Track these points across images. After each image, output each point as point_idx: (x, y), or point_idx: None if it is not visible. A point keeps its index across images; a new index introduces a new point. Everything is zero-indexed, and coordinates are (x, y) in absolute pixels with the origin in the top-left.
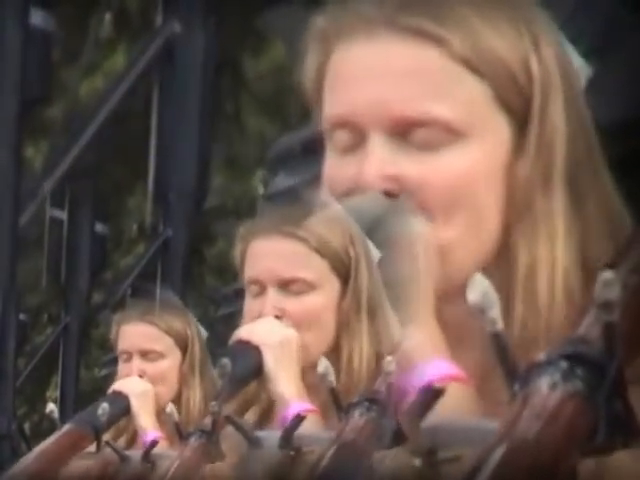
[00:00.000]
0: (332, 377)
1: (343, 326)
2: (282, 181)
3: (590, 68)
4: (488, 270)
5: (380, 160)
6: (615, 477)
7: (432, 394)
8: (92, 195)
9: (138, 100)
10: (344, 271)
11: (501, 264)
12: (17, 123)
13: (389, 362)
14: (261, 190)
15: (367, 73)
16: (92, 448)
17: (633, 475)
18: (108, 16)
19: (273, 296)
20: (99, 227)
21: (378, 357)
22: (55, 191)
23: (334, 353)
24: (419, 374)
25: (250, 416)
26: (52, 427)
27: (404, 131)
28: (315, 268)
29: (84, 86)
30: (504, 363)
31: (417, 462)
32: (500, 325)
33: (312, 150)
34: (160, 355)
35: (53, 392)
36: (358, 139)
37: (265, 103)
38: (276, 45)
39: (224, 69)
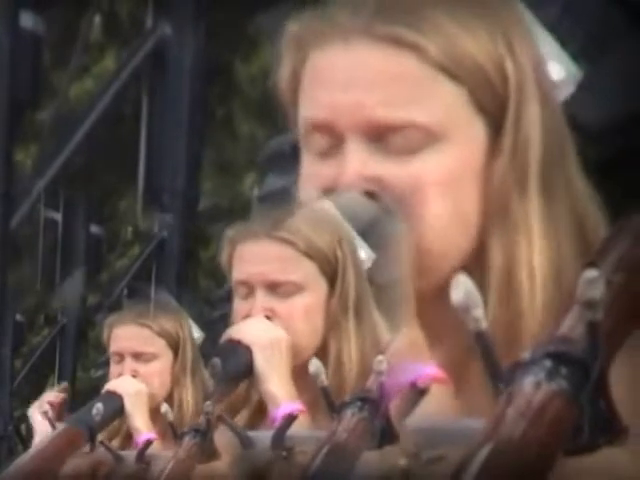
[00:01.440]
0: (324, 377)
1: (331, 327)
2: (273, 182)
3: (580, 70)
4: (463, 269)
5: (359, 162)
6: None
7: (415, 394)
8: (86, 196)
9: (128, 103)
10: (331, 273)
11: (475, 266)
12: (7, 126)
13: (380, 362)
14: (255, 192)
15: (343, 78)
16: (87, 448)
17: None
18: (98, 19)
19: (262, 297)
20: (94, 228)
21: (365, 357)
22: (49, 192)
23: (322, 354)
24: (401, 374)
25: (240, 419)
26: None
27: (381, 135)
28: (303, 270)
29: (74, 89)
30: (488, 362)
31: (403, 462)
32: (484, 324)
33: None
34: (153, 356)
35: None
36: (335, 143)
37: (256, 106)
38: (267, 48)
39: (215, 72)
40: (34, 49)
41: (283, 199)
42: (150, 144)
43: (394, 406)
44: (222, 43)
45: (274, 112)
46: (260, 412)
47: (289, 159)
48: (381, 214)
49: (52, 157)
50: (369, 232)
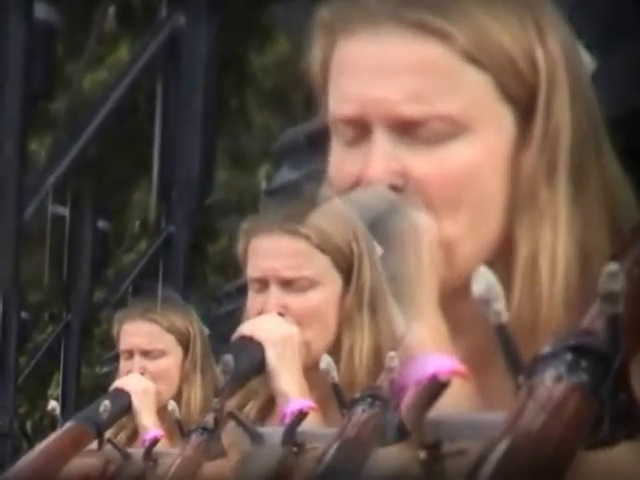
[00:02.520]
0: (335, 373)
1: (345, 322)
2: (286, 174)
3: (595, 61)
4: (489, 260)
5: (385, 155)
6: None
7: (437, 386)
8: (94, 191)
9: (142, 94)
10: (346, 267)
11: (501, 254)
12: (21, 116)
13: (391, 358)
14: (264, 185)
15: (371, 69)
16: (94, 446)
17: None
18: (112, 9)
19: (276, 293)
20: (101, 223)
21: (378, 352)
22: (57, 187)
23: (334, 349)
24: (422, 367)
25: (248, 412)
26: (54, 425)
27: (408, 127)
28: (317, 265)
29: (88, 80)
30: (509, 355)
31: (422, 455)
32: (505, 317)
33: (316, 143)
34: (162, 353)
35: (55, 390)
36: (363, 133)
37: (270, 97)
38: (281, 39)
39: (229, 63)
40: (48, 39)
41: (293, 192)
42: (164, 135)
43: (414, 398)
44: (236, 33)
45: (288, 102)
46: (267, 408)
47: (303, 150)
48: (392, 207)
49: (65, 148)
50: (378, 225)
